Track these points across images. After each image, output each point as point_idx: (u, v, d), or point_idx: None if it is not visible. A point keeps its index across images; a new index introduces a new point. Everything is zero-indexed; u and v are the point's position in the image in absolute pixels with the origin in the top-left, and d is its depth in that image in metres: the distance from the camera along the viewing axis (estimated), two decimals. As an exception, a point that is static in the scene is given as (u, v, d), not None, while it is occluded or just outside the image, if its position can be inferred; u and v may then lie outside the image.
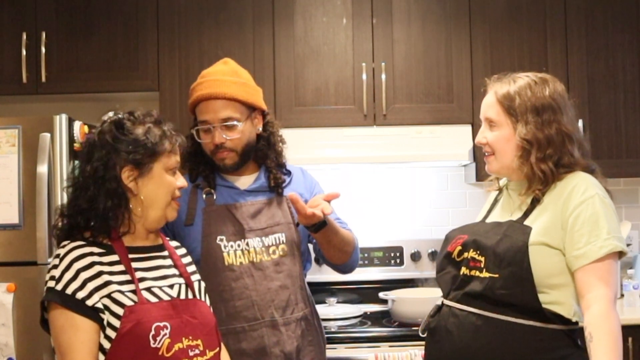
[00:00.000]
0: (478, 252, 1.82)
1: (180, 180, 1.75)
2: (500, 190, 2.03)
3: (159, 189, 1.69)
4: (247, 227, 2.10)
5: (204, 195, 2.14)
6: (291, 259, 2.15)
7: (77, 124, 2.85)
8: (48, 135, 2.71)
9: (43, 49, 3.17)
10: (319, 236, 2.09)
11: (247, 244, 2.09)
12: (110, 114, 1.72)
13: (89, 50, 3.22)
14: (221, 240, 2.08)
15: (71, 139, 2.80)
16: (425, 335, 1.93)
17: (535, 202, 1.83)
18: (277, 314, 2.08)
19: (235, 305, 2.05)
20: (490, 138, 1.89)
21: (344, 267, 2.28)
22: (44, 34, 3.18)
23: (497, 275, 1.75)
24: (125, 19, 3.24)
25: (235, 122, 2.10)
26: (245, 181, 2.19)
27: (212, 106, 2.09)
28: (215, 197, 2.14)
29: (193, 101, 2.13)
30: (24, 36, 3.17)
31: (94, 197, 1.63)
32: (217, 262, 2.07)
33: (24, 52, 3.16)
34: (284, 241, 2.14)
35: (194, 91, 2.14)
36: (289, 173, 2.26)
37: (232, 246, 2.08)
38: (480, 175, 3.21)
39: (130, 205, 1.66)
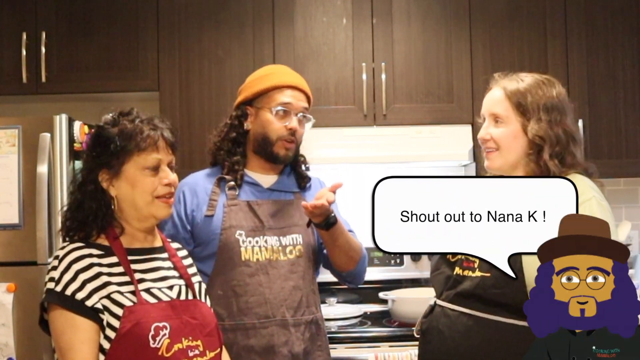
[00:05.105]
0: None
1: (167, 179, 1.69)
2: None
3: (134, 189, 1.67)
4: (267, 225, 2.12)
5: (227, 189, 2.15)
6: (306, 262, 2.15)
7: (77, 124, 2.85)
8: (48, 135, 2.71)
9: (43, 49, 3.17)
10: (326, 235, 2.10)
11: (266, 242, 2.10)
12: (108, 115, 1.73)
13: (89, 50, 3.22)
14: (240, 235, 2.09)
15: (71, 139, 2.81)
16: (419, 336, 1.93)
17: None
18: (288, 314, 2.08)
19: (247, 300, 2.05)
20: (496, 134, 1.87)
21: (350, 276, 2.27)
22: (44, 34, 3.17)
23: (488, 275, 1.75)
24: (125, 18, 3.23)
25: (309, 116, 2.21)
26: (268, 180, 2.21)
27: (297, 95, 2.18)
28: (238, 192, 2.15)
29: (274, 85, 2.16)
30: (24, 36, 3.17)
31: (81, 201, 1.68)
32: (233, 256, 2.07)
33: (24, 52, 3.16)
34: (301, 242, 2.15)
35: (272, 76, 2.18)
36: (309, 179, 2.29)
37: (250, 242, 2.09)
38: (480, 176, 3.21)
39: (113, 207, 1.69)
